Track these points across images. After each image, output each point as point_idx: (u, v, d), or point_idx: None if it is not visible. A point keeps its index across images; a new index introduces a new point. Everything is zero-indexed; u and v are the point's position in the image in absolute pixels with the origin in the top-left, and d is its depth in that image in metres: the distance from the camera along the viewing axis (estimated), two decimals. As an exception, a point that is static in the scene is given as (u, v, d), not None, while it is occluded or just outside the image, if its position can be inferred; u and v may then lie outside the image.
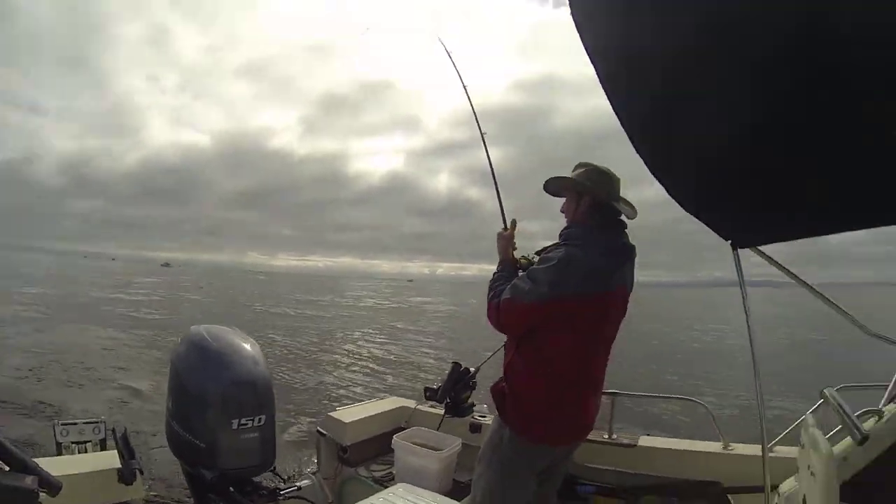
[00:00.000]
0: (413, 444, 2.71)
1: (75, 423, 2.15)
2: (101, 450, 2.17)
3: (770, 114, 1.10)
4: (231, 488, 2.02)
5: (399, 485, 2.18)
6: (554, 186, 2.14)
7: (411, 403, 3.24)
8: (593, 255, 1.92)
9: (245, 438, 1.95)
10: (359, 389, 8.93)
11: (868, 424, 1.65)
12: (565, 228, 2.08)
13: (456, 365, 2.76)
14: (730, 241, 1.76)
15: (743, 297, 1.82)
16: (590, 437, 2.36)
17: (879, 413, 1.70)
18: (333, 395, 8.32)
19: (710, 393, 9.25)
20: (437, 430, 2.87)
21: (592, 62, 1.08)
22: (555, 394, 1.98)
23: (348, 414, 2.97)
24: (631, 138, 1.28)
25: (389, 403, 3.27)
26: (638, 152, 1.35)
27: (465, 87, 2.68)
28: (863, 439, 1.53)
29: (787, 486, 1.74)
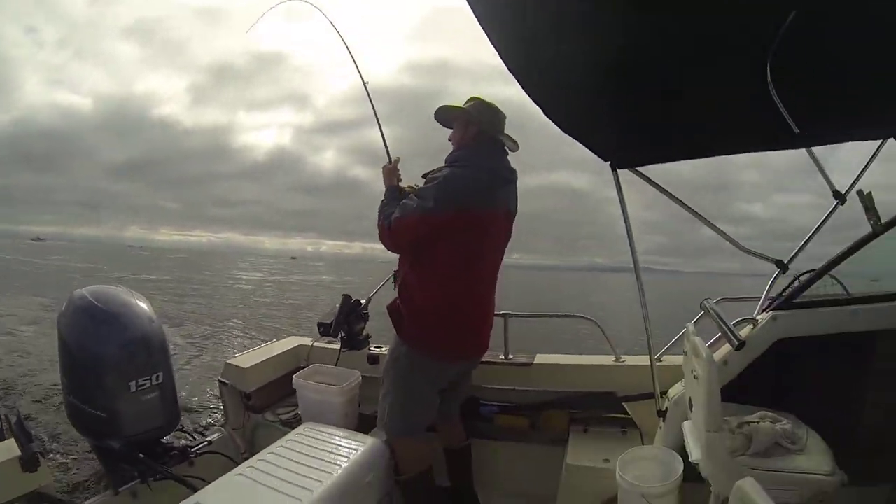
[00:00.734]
0: (313, 382, 2.67)
1: None
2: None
3: (642, 45, 1.22)
4: (141, 454, 1.96)
5: (305, 424, 2.21)
6: (444, 115, 2.24)
7: (308, 341, 3.18)
8: (476, 173, 2.05)
9: (145, 400, 1.90)
10: (255, 334, 8.59)
11: (744, 332, 1.79)
12: (451, 153, 2.18)
13: (346, 297, 2.69)
14: (609, 163, 1.94)
15: (624, 215, 2.00)
16: (487, 358, 2.46)
17: (754, 321, 1.90)
18: (230, 344, 7.89)
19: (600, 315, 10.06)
20: (336, 365, 2.84)
21: (473, 8, 1.10)
22: (446, 307, 2.08)
23: (247, 359, 2.87)
24: (513, 71, 1.31)
25: (286, 343, 3.19)
26: (522, 85, 1.38)
27: (346, 46, 2.58)
28: (740, 345, 1.66)
29: (674, 391, 1.90)
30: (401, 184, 2.30)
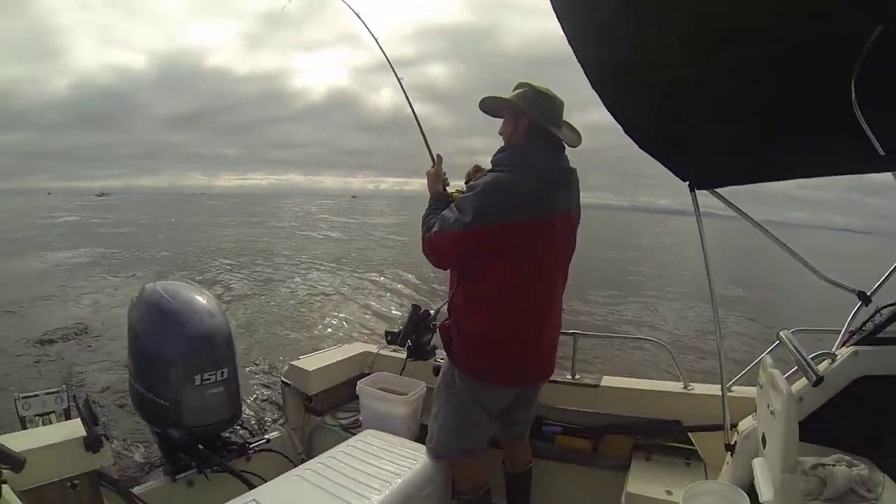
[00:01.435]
0: (377, 389, 2.69)
1: (37, 395, 2.08)
2: (67, 419, 2.10)
3: (720, 68, 1.21)
4: (200, 446, 2.01)
5: (366, 431, 2.23)
6: (490, 106, 2.01)
7: (374, 348, 3.21)
8: (525, 179, 1.81)
9: (209, 394, 1.95)
10: (319, 331, 8.53)
11: (822, 367, 1.71)
12: (497, 152, 1.95)
13: (415, 308, 2.74)
14: (687, 183, 1.86)
15: (701, 239, 1.90)
16: (554, 378, 2.37)
17: (833, 356, 1.77)
18: (295, 342, 7.77)
19: (667, 329, 9.39)
20: (401, 374, 2.86)
21: (559, 17, 1.08)
22: (497, 333, 1.89)
23: (311, 362, 2.92)
24: (595, 85, 1.30)
25: (352, 349, 3.23)
26: (601, 97, 1.37)
27: (375, 38, 2.55)
28: (818, 381, 1.59)
29: (745, 424, 1.79)
30: (448, 188, 2.14)
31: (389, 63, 2.47)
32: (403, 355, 2.83)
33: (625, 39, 1.18)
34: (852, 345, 1.79)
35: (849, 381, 1.72)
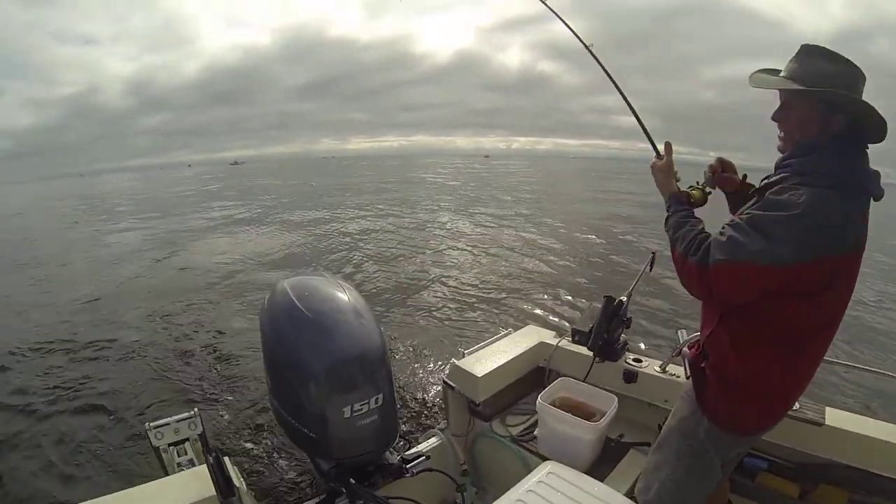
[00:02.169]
0: (560, 405, 2.25)
1: (168, 424, 1.95)
2: (202, 445, 1.96)
3: None
4: (352, 479, 1.69)
5: (550, 466, 1.77)
6: (765, 83, 1.49)
7: (550, 337, 2.75)
8: (847, 198, 1.36)
9: (362, 425, 1.60)
10: (481, 306, 7.24)
11: None
12: (792, 156, 1.46)
13: (608, 299, 2.22)
14: None
15: None
16: None
17: None
18: (453, 321, 6.59)
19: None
20: (585, 379, 2.39)
21: None
22: (771, 382, 1.53)
23: (479, 363, 2.50)
24: None
25: (525, 339, 2.76)
26: None
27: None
28: None
29: None
30: (678, 183, 1.71)
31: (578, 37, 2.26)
32: (587, 351, 2.34)
33: None
34: None
35: None
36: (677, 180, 1.71)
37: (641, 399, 2.38)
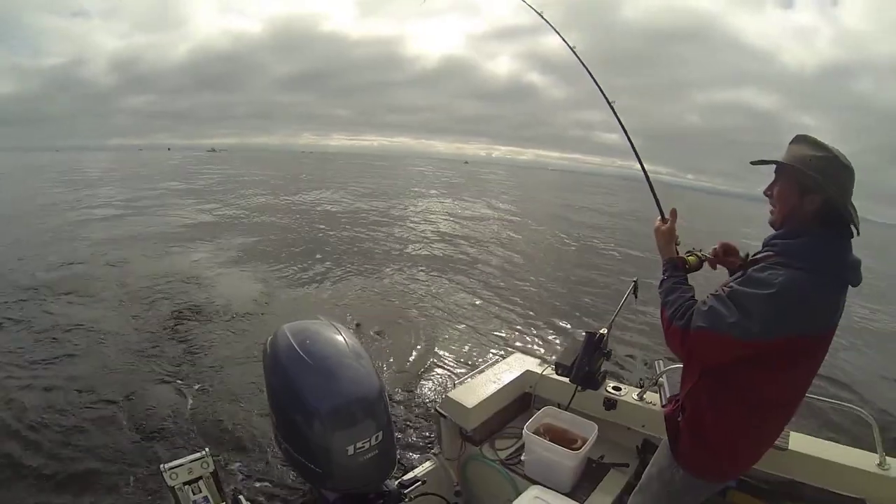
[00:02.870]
0: (545, 432, 2.43)
1: (182, 465, 2.01)
2: (215, 482, 2.04)
3: None
4: None
5: (536, 491, 1.93)
6: (782, 169, 1.60)
7: (536, 366, 2.92)
8: (823, 284, 1.47)
9: (365, 460, 1.72)
10: (466, 327, 7.50)
11: None
12: (780, 237, 1.58)
13: (590, 335, 2.43)
14: None
15: None
16: None
17: None
18: (438, 346, 6.81)
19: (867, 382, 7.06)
20: (568, 406, 2.57)
21: None
22: (744, 435, 1.67)
23: (470, 393, 2.66)
24: None
25: (513, 368, 2.94)
26: None
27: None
28: None
29: None
30: (678, 247, 1.83)
31: (596, 84, 2.34)
32: (569, 380, 2.53)
33: None
34: None
35: None
36: (678, 244, 1.83)
37: (621, 424, 2.55)
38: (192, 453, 2.09)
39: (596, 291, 9.93)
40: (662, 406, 2.22)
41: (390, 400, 2.03)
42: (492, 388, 2.70)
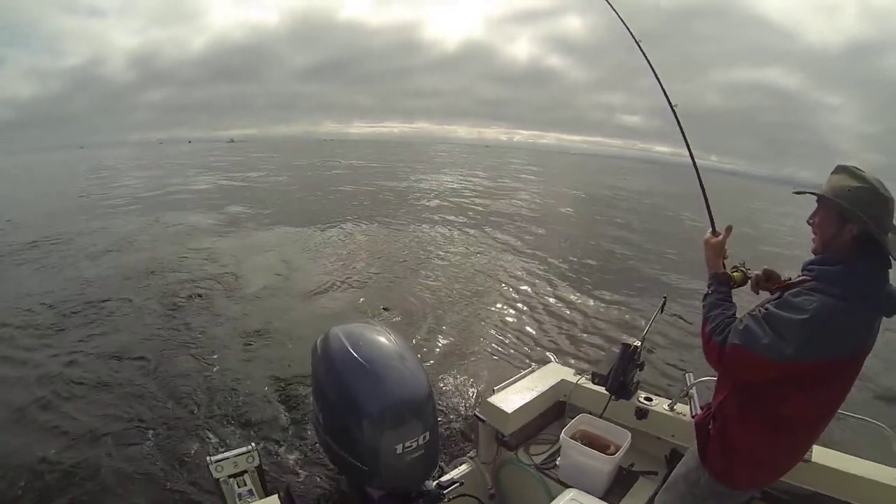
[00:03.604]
0: (580, 438, 2.53)
1: (227, 458, 2.10)
2: (259, 477, 2.13)
3: None
4: None
5: (572, 494, 2.00)
6: (822, 200, 1.64)
7: (571, 375, 3.02)
8: (855, 311, 1.51)
9: (411, 459, 1.80)
10: (500, 333, 7.42)
11: None
12: (818, 262, 1.63)
13: (625, 347, 2.51)
14: None
15: None
16: None
17: None
18: (473, 350, 6.77)
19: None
20: (602, 415, 2.67)
21: None
22: (769, 448, 1.73)
23: (508, 399, 2.76)
24: None
25: (549, 376, 3.03)
26: None
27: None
28: None
29: None
30: (725, 261, 1.87)
31: (660, 84, 2.32)
32: (603, 389, 2.62)
33: None
34: None
35: None
36: (725, 258, 1.87)
37: (651, 433, 2.63)
38: (238, 447, 2.20)
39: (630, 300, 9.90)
40: (692, 417, 2.29)
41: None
42: (529, 396, 2.79)
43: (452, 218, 16.29)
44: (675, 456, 2.53)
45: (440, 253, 12.03)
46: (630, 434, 2.49)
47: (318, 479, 3.91)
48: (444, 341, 6.96)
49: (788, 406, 1.63)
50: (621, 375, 2.46)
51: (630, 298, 9.38)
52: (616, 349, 2.51)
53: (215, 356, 6.12)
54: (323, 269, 10.26)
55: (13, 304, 7.78)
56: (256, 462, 2.16)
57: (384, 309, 7.70)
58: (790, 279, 1.74)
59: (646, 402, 2.68)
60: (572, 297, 9.34)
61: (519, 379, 2.99)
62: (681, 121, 2.22)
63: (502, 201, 21.11)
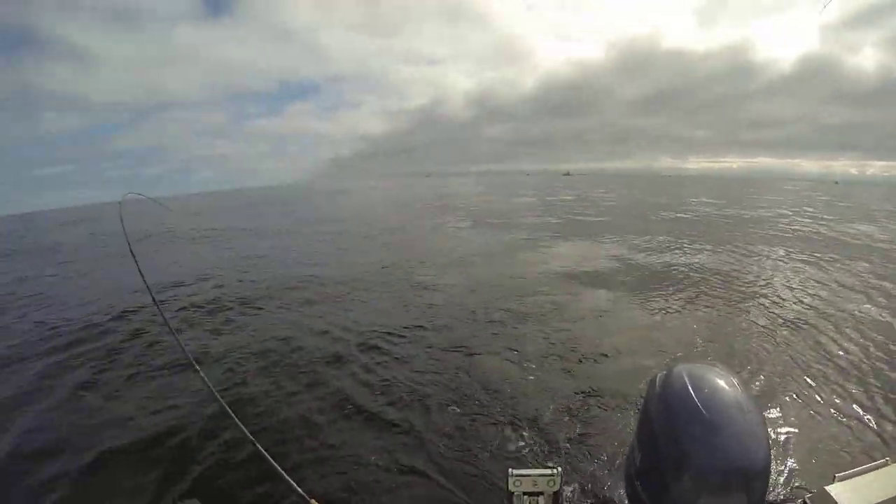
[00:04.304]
0: None
1: (529, 475, 2.00)
2: (555, 502, 1.98)
3: None
4: None
5: None
6: None
7: None
8: None
9: None
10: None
11: None
12: None
13: None
14: None
15: None
16: None
17: None
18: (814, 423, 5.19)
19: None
20: None
21: None
22: None
23: (851, 494, 2.05)
24: None
25: None
26: None
27: None
28: None
29: None
30: None
31: None
32: None
33: None
34: None
35: None
36: None
37: None
38: (542, 467, 2.15)
39: None
40: None
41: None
42: (881, 494, 2.04)
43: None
44: None
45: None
46: None
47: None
48: (786, 401, 5.58)
49: None
50: None
51: None
52: None
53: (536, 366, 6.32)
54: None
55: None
56: (556, 487, 2.04)
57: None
58: None
59: None
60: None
61: (871, 470, 2.21)
62: None
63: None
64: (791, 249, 15.11)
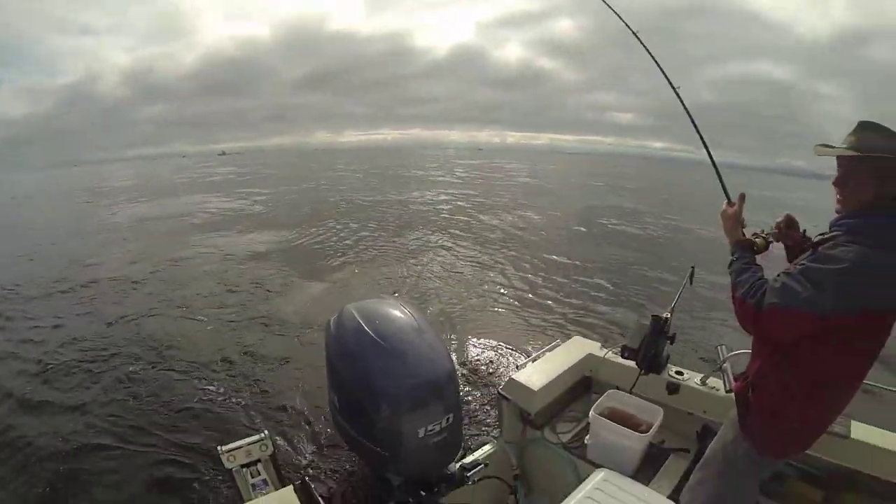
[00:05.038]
0: (609, 416, 2.39)
1: (239, 447, 2.02)
2: (274, 466, 2.05)
3: None
4: (422, 492, 1.81)
5: (604, 474, 1.91)
6: (842, 162, 1.59)
7: (597, 349, 2.88)
8: (894, 258, 1.46)
9: (434, 443, 1.69)
10: (522, 308, 7.52)
11: None
12: (848, 217, 1.58)
13: (655, 318, 2.36)
14: None
15: None
16: None
17: None
18: (494, 325, 6.83)
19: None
20: (632, 390, 2.53)
21: None
22: (810, 413, 1.70)
23: (533, 375, 2.64)
24: None
25: (574, 350, 2.90)
26: None
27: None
28: None
29: None
30: (745, 230, 1.86)
31: (660, 68, 2.40)
32: (632, 364, 2.47)
33: None
34: None
35: None
36: (744, 227, 1.86)
37: (682, 409, 2.51)
38: (249, 435, 2.11)
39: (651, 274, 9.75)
40: (726, 391, 2.21)
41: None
42: (555, 371, 2.67)
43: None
44: (706, 432, 2.44)
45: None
46: (662, 411, 2.37)
47: (336, 466, 3.80)
48: (462, 319, 6.90)
49: (828, 364, 1.59)
50: (652, 349, 2.32)
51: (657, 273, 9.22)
52: (645, 321, 2.38)
53: (221, 348, 6.17)
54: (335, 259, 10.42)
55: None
56: (270, 450, 2.07)
57: (394, 293, 7.61)
58: (805, 231, 1.81)
59: (677, 376, 2.55)
60: (594, 266, 9.16)
61: (542, 354, 2.86)
62: (680, 107, 2.26)
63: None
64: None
